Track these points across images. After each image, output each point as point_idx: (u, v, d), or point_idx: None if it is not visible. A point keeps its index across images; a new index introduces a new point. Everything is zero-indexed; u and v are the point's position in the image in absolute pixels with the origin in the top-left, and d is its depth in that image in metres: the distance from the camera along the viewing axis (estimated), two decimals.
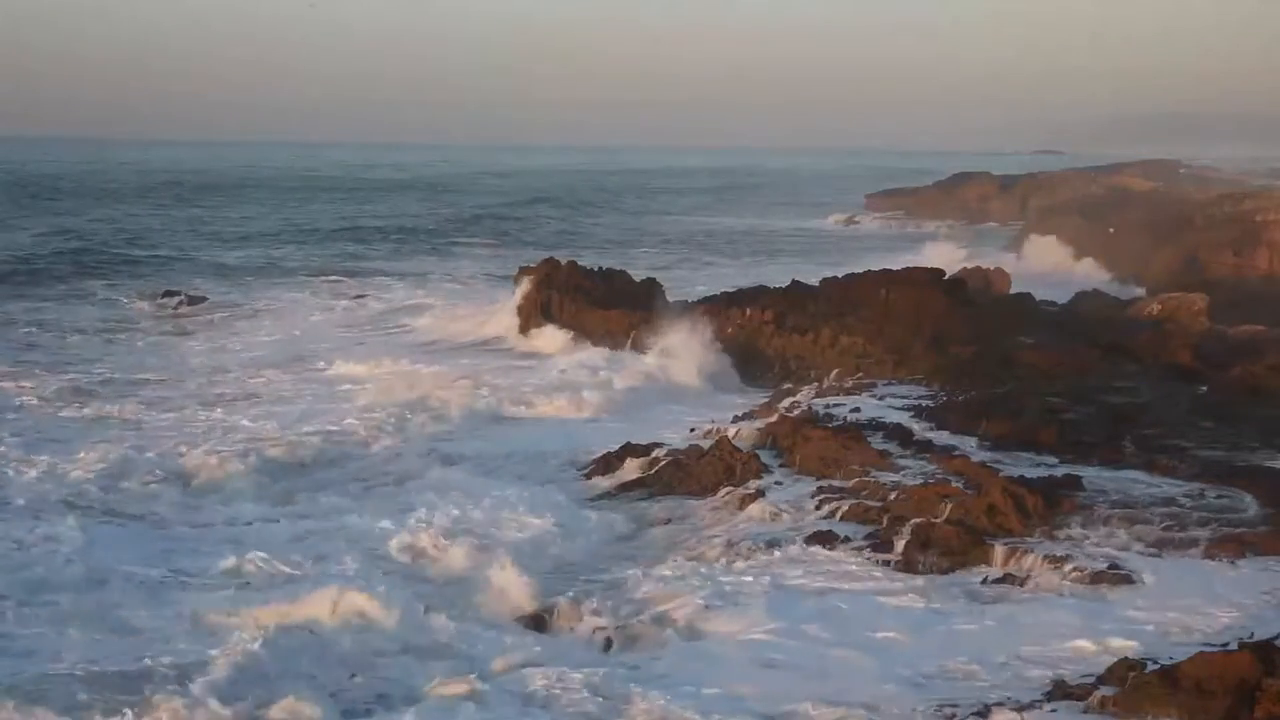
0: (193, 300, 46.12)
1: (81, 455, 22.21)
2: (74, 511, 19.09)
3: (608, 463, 22.45)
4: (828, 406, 25.06)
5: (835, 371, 29.23)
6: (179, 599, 15.71)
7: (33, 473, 21.21)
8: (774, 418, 23.71)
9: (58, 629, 14.44)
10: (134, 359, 34.58)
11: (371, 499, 20.79)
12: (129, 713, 12.18)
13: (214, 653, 13.43)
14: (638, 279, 37.54)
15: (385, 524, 18.66)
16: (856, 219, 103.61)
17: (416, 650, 14.31)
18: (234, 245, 69.13)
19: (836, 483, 19.87)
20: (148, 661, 13.30)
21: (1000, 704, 12.38)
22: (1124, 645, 13.80)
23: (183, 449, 23.16)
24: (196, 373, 32.52)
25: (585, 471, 22.54)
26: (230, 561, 17.05)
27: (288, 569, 16.79)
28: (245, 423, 25.70)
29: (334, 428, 25.05)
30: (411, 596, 15.55)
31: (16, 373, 31.15)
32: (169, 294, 47.05)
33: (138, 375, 31.82)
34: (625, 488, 21.47)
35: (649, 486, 21.22)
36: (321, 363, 33.50)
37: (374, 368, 32.15)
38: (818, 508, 19.01)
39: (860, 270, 36.22)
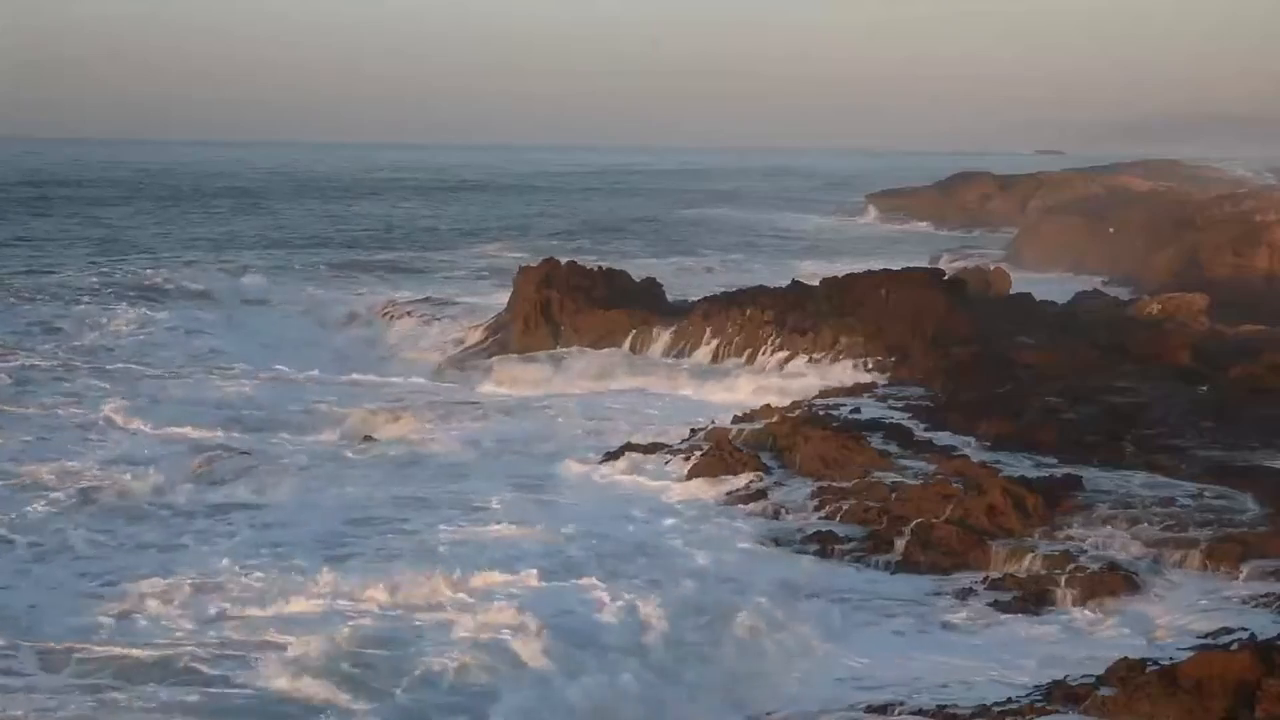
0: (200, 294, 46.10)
1: None
2: None
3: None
4: (828, 406, 25.07)
5: None
6: None
7: None
8: (774, 418, 23.69)
9: None
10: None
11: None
12: None
13: None
14: (638, 278, 37.59)
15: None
16: (857, 218, 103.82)
17: None
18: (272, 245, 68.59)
19: (836, 483, 19.85)
20: None
21: (1000, 704, 12.37)
22: (1123, 646, 13.79)
23: None
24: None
25: None
26: None
27: None
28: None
29: None
30: None
31: None
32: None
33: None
34: None
35: None
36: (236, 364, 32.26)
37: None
38: (818, 508, 19.01)
39: (861, 269, 36.25)
